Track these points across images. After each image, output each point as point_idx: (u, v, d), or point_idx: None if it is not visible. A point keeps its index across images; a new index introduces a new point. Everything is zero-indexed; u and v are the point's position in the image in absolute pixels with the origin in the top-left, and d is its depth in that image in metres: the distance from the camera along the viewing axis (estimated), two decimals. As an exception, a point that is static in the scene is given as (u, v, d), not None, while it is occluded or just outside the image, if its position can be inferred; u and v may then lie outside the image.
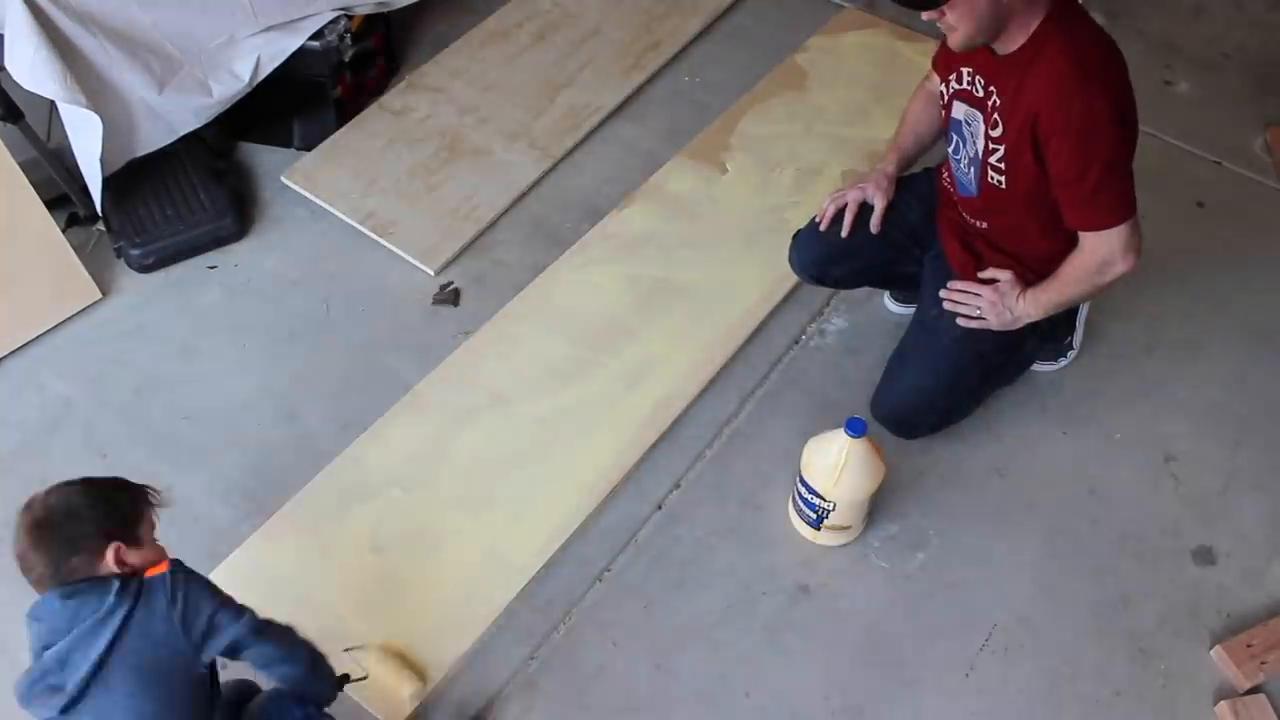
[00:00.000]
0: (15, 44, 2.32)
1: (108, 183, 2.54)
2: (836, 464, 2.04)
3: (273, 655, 1.63)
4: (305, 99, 2.86)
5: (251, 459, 2.32)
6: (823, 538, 2.18)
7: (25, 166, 2.43)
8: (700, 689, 2.02)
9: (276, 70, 2.70)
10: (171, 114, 2.59)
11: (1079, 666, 2.07)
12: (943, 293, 2.18)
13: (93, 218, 2.66)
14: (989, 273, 2.14)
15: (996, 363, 2.25)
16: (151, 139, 2.60)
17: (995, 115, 1.96)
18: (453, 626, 2.07)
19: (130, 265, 2.62)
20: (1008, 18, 1.83)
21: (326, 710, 1.76)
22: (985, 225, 2.15)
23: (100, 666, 1.47)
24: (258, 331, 2.54)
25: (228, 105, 2.67)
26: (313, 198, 2.79)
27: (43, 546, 1.50)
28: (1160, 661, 2.08)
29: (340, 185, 2.80)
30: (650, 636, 2.08)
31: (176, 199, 2.66)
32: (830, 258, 2.32)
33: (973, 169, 2.07)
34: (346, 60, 2.85)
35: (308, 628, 2.04)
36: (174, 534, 2.18)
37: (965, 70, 2.01)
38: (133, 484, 1.63)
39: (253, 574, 2.12)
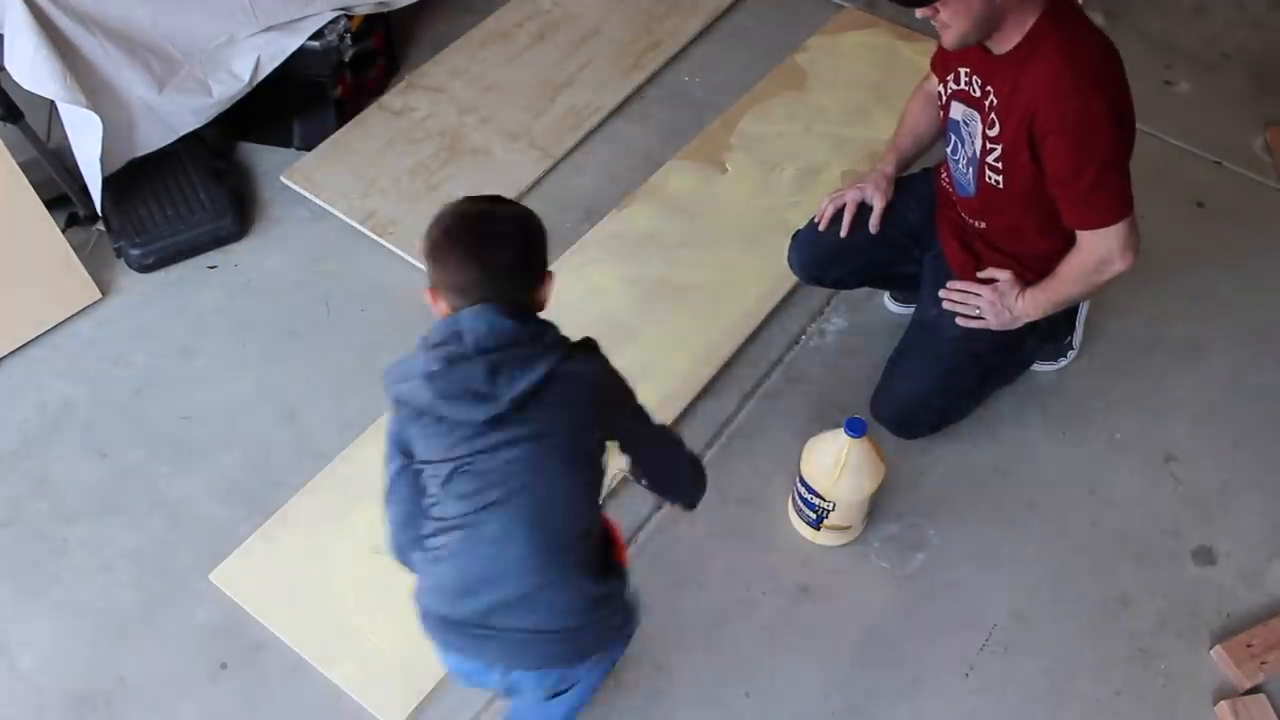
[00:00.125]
0: (15, 44, 2.32)
1: (108, 183, 2.54)
2: (836, 464, 2.04)
3: (666, 456, 1.69)
4: (305, 99, 2.86)
5: (251, 459, 2.32)
6: (823, 538, 2.18)
7: (25, 166, 2.43)
8: (700, 689, 2.02)
9: (276, 70, 2.69)
10: (171, 114, 2.59)
11: (1079, 666, 2.07)
12: (942, 293, 2.18)
13: (93, 218, 2.66)
14: (988, 272, 2.14)
15: (995, 362, 2.26)
16: (151, 139, 2.60)
17: (992, 115, 1.96)
18: (453, 626, 2.06)
19: (130, 265, 2.62)
20: (1002, 16, 1.83)
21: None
22: (984, 225, 2.15)
23: (536, 391, 1.40)
24: (258, 331, 2.54)
25: (228, 105, 2.67)
26: (313, 198, 2.79)
27: (514, 245, 1.44)
28: (1160, 661, 2.08)
29: (340, 185, 2.80)
30: (650, 636, 2.08)
31: (176, 199, 2.66)
32: (829, 258, 2.32)
33: (970, 169, 2.07)
34: (346, 60, 2.85)
35: (308, 627, 2.05)
36: (174, 534, 2.20)
37: (963, 70, 2.01)
38: None
39: (253, 574, 2.12)
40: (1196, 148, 2.97)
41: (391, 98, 3.02)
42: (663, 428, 1.68)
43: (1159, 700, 2.03)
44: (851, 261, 2.32)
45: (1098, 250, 1.96)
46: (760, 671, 2.05)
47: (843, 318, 2.59)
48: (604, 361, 1.54)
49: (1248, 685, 2.03)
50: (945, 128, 2.13)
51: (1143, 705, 2.03)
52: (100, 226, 2.67)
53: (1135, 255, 1.96)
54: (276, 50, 2.69)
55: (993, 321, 2.12)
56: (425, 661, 2.01)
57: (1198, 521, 2.27)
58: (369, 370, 2.47)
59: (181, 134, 2.63)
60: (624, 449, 1.62)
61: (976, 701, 2.03)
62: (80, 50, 2.40)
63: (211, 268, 2.66)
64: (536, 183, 2.84)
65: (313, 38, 2.74)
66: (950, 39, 1.88)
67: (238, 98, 2.67)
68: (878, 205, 2.25)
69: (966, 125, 2.04)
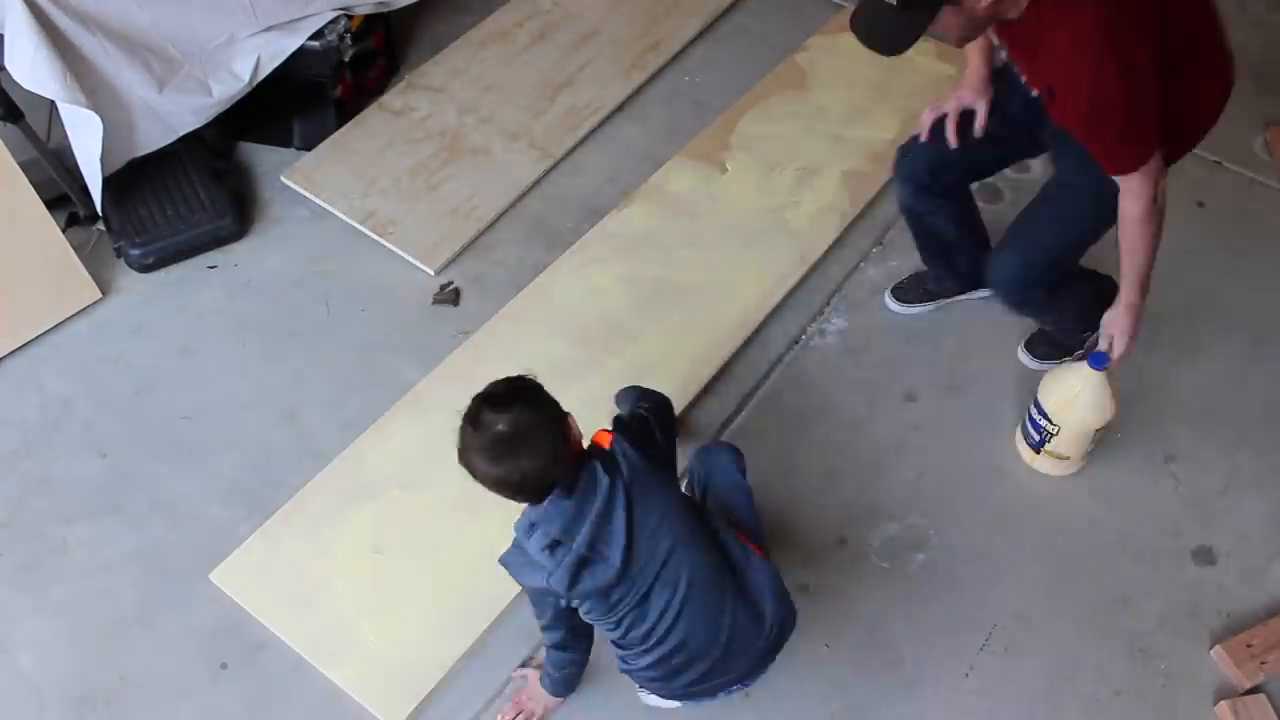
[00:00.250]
0: (15, 44, 2.32)
1: (108, 183, 2.54)
2: (1072, 391, 2.16)
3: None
4: (305, 99, 2.86)
5: (251, 459, 2.32)
6: (1041, 463, 2.28)
7: (25, 166, 2.43)
8: (700, 689, 2.02)
9: (276, 70, 2.69)
10: (171, 114, 2.59)
11: (1079, 666, 2.07)
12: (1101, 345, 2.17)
13: (93, 218, 2.66)
14: (1103, 330, 2.14)
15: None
16: (151, 139, 2.60)
17: (1022, 76, 1.99)
18: (453, 626, 2.07)
19: (130, 265, 2.62)
20: (986, 15, 1.83)
21: None
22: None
23: (630, 524, 1.65)
24: (257, 331, 2.54)
25: (228, 105, 2.67)
26: (313, 198, 2.79)
27: (530, 447, 1.58)
28: (1160, 661, 2.08)
29: (340, 185, 2.80)
30: (650, 636, 2.08)
31: (176, 199, 2.66)
32: (940, 166, 2.28)
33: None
34: (346, 60, 2.85)
35: (308, 627, 2.05)
36: (174, 534, 2.20)
37: (989, 31, 2.00)
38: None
39: (253, 574, 2.12)
40: (1197, 147, 2.95)
41: (391, 98, 3.02)
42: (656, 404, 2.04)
43: (1159, 700, 2.03)
44: (964, 163, 2.28)
45: (1142, 196, 1.95)
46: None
47: (843, 318, 2.59)
48: (625, 437, 1.74)
49: (1248, 685, 2.03)
50: None
51: (1143, 705, 2.03)
52: (100, 226, 2.67)
53: (1162, 193, 1.97)
54: (276, 50, 2.69)
55: (1130, 341, 2.11)
56: (425, 661, 2.02)
57: (1198, 521, 2.27)
58: (369, 370, 2.48)
59: (181, 134, 2.63)
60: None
61: (976, 701, 2.03)
62: (80, 50, 2.40)
63: (211, 268, 2.66)
64: (536, 183, 2.84)
65: (313, 38, 2.74)
66: (955, 42, 1.89)
67: (238, 98, 2.67)
68: (981, 110, 2.21)
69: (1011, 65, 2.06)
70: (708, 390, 2.44)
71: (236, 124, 2.84)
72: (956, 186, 2.43)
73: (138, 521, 2.22)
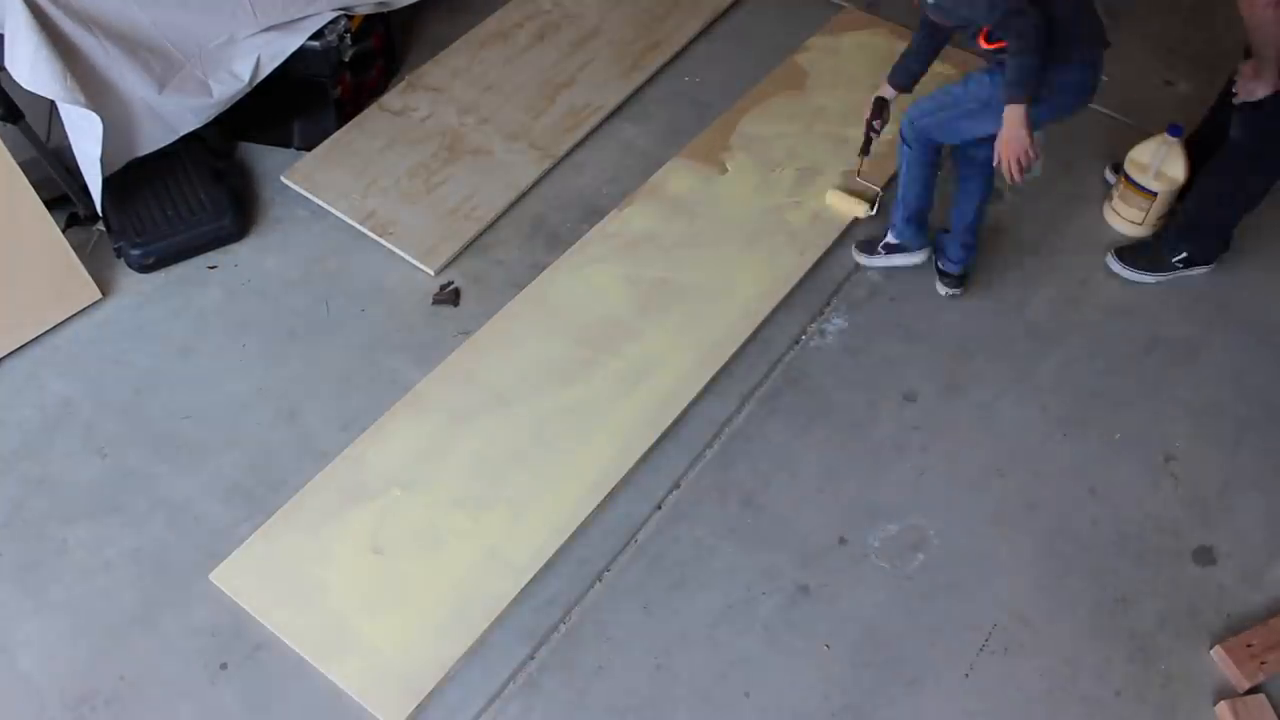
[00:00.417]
0: (15, 44, 2.32)
1: (108, 183, 2.54)
2: (1155, 156, 2.61)
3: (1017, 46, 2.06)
4: (305, 99, 2.86)
5: (251, 459, 2.32)
6: (1114, 215, 2.75)
7: (25, 166, 2.43)
8: (700, 689, 2.03)
9: (276, 70, 2.70)
10: (171, 114, 2.59)
11: (1079, 666, 2.07)
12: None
13: (93, 218, 2.66)
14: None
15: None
16: (151, 139, 2.60)
17: None
18: (453, 626, 2.07)
19: (130, 265, 2.62)
20: None
21: None
22: None
23: None
24: (258, 331, 2.54)
25: (228, 105, 2.67)
26: (313, 198, 2.79)
27: None
28: (1160, 661, 2.08)
29: (340, 185, 2.80)
30: (650, 636, 2.08)
31: (176, 199, 2.66)
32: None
33: None
34: (346, 60, 2.85)
35: (308, 627, 2.06)
36: (174, 534, 2.21)
37: None
38: None
39: (253, 574, 2.12)
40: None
41: (391, 98, 3.02)
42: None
43: (1159, 700, 2.03)
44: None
45: None
46: (760, 671, 2.05)
47: (843, 318, 2.59)
48: None
49: (1248, 685, 2.03)
50: None
51: (1143, 705, 2.03)
52: (100, 226, 2.67)
53: None
54: (276, 50, 2.69)
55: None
56: (425, 661, 2.02)
57: (1198, 521, 2.27)
58: (369, 370, 2.48)
59: (181, 134, 2.63)
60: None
61: (976, 701, 2.03)
62: (80, 50, 2.40)
63: (211, 268, 2.66)
64: (536, 183, 2.84)
65: (313, 38, 2.74)
66: None
67: (238, 98, 2.67)
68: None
69: None
70: (708, 390, 2.44)
71: (236, 124, 2.84)
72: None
73: (138, 521, 2.22)
